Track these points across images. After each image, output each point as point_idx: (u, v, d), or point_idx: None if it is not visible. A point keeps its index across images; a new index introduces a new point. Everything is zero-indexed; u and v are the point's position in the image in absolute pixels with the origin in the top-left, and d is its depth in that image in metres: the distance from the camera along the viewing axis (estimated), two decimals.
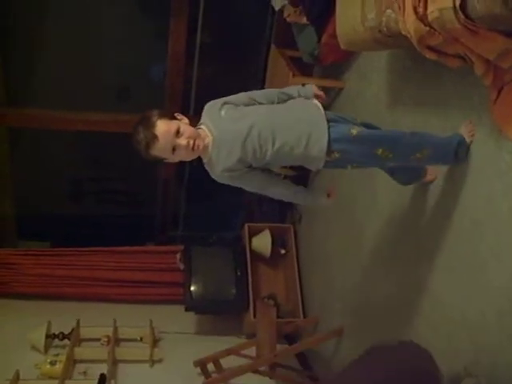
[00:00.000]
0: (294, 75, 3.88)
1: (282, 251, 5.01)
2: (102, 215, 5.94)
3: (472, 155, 2.40)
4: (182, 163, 2.37)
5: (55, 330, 4.40)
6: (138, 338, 4.53)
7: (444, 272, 2.62)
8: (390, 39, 2.30)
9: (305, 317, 4.67)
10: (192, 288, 4.62)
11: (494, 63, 1.93)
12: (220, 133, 2.15)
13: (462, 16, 1.68)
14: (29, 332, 4.31)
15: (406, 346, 2.40)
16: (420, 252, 2.84)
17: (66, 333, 4.38)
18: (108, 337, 4.40)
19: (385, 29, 2.24)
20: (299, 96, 2.32)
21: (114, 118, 4.86)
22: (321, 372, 4.32)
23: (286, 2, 3.63)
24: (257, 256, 4.95)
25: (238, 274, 4.69)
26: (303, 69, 4.17)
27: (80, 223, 5.66)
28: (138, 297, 4.85)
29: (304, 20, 3.68)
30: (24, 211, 5.51)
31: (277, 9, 3.74)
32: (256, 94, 2.31)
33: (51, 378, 4.02)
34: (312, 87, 2.34)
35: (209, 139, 2.15)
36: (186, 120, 2.16)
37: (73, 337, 4.30)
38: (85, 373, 4.18)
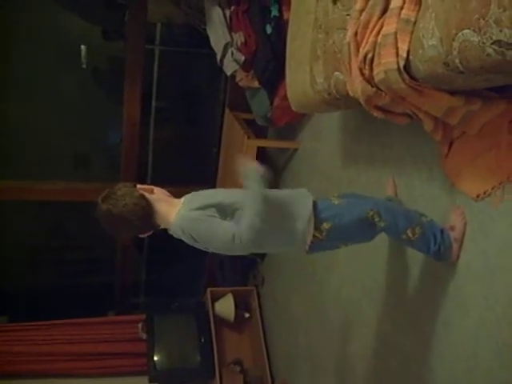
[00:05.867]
0: (248, 137, 3.92)
1: (246, 315, 4.92)
2: (61, 285, 5.79)
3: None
4: None
5: None
6: None
7: (413, 332, 2.61)
8: (340, 101, 2.34)
9: (273, 381, 4.55)
10: (155, 358, 4.48)
11: (441, 120, 1.98)
12: None
13: (406, 77, 1.73)
14: None
15: None
16: (383, 308, 2.83)
17: None
18: None
19: (334, 91, 2.28)
20: None
21: (70, 186, 4.80)
22: None
23: (238, 67, 3.69)
24: (221, 321, 4.85)
25: (202, 340, 4.57)
26: (258, 131, 4.23)
27: (38, 295, 5.48)
28: (101, 370, 4.65)
29: (256, 84, 3.75)
30: None
31: (229, 74, 3.80)
32: None
33: None
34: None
35: None
36: None
37: None
38: None
